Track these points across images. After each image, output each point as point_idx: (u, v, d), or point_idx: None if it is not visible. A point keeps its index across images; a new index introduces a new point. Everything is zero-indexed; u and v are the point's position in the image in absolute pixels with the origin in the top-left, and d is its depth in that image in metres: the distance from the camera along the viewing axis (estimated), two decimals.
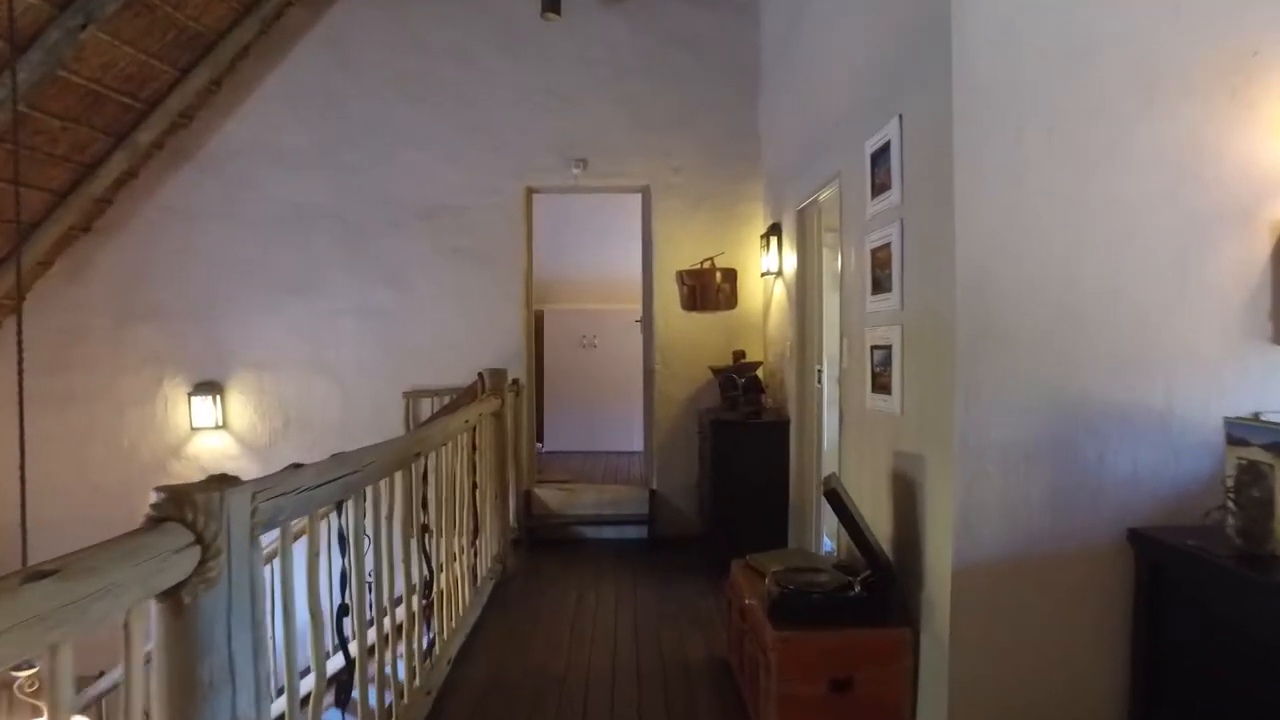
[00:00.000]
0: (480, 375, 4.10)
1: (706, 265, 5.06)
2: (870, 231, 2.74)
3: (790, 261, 4.25)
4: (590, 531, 5.11)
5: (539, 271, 7.83)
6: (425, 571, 2.73)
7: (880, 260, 2.63)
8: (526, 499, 5.07)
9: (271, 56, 5.01)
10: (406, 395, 5.06)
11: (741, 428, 4.24)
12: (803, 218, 4.03)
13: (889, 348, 2.55)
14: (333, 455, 1.83)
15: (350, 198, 5.07)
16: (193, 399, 4.99)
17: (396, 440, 2.19)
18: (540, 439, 7.81)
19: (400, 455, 2.19)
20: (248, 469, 5.09)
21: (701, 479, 4.82)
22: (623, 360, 7.67)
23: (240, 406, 5.10)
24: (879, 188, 2.65)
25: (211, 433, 5.07)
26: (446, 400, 4.88)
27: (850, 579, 2.42)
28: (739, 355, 4.92)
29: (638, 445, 7.10)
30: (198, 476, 5.75)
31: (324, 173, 5.06)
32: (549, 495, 5.15)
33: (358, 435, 5.02)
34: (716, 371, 4.79)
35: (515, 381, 5.04)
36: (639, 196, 5.32)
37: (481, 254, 5.09)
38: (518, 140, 5.07)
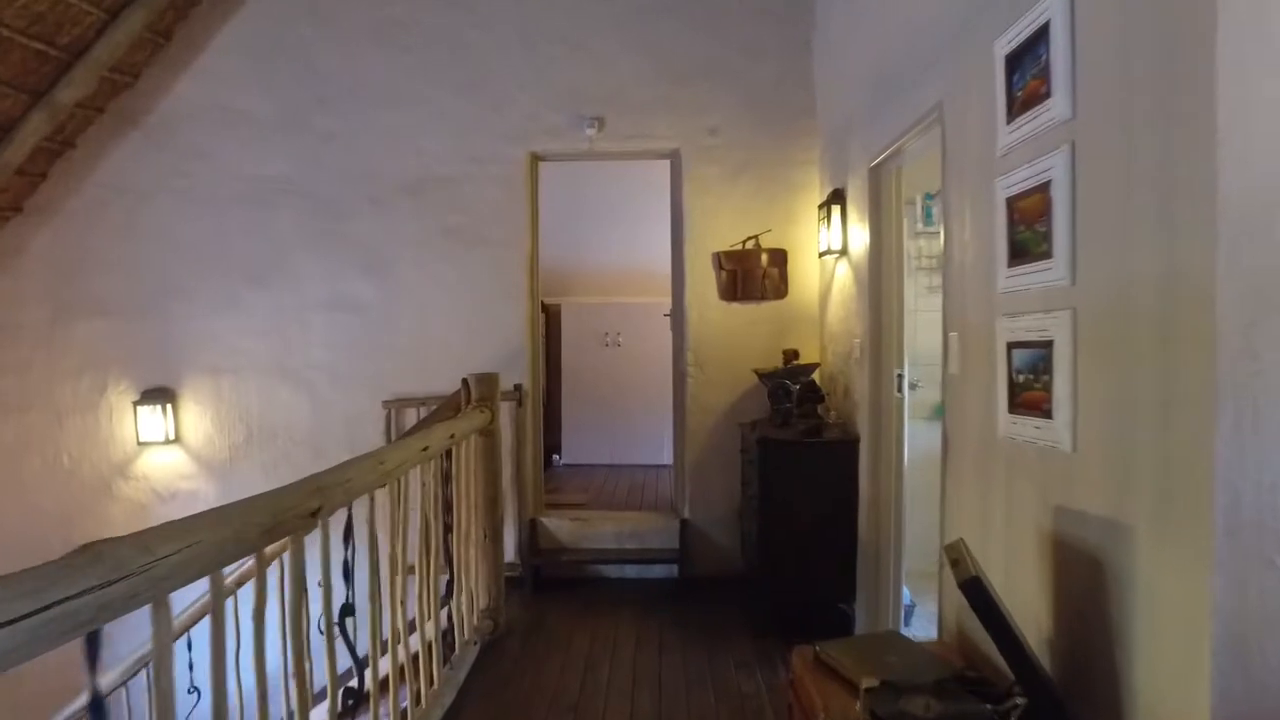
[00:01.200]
0: (465, 382, 3.30)
1: (749, 245, 4.21)
2: (1006, 173, 1.87)
3: (858, 236, 3.39)
4: (609, 570, 4.29)
5: (553, 260, 7.06)
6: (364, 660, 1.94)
7: (1027, 212, 1.77)
8: (532, 529, 4.28)
9: (229, 1, 4.29)
10: (388, 405, 4.30)
11: (797, 449, 3.39)
12: (877, 177, 3.17)
13: (1046, 345, 1.69)
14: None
15: (322, 170, 4.33)
16: (139, 409, 4.29)
17: (267, 498, 1.39)
18: (557, 452, 7.03)
19: (271, 521, 1.38)
20: (204, 491, 4.38)
21: (744, 507, 3.97)
22: (652, 361, 6.85)
23: (195, 417, 4.39)
24: (1023, 103, 1.78)
25: (162, 448, 4.37)
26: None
27: (990, 709, 1.56)
28: (790, 355, 4.06)
29: (668, 458, 6.28)
30: (148, 500, 4.93)
31: (291, 141, 4.32)
32: (559, 526, 4.34)
33: (331, 451, 4.29)
34: (763, 376, 3.93)
35: (518, 388, 4.25)
36: (667, 164, 4.49)
37: (477, 235, 4.31)
38: (520, 97, 4.28)
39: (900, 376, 3.16)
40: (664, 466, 6.58)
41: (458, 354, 4.32)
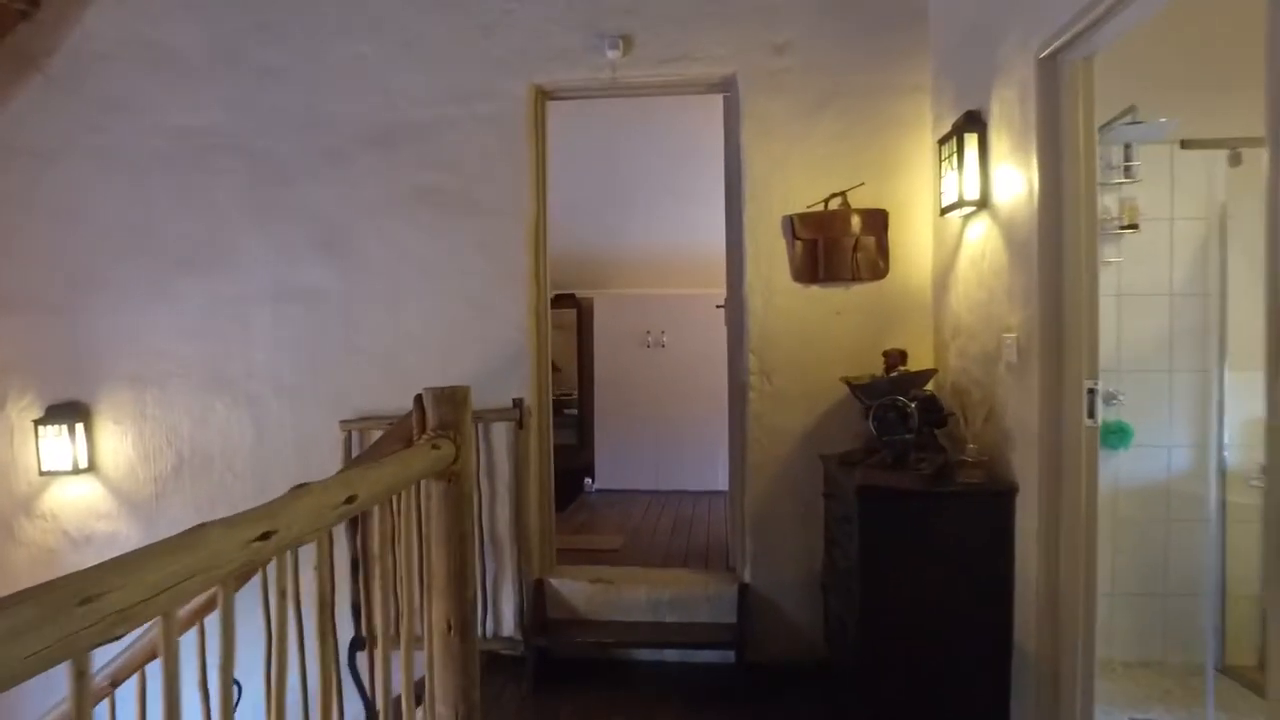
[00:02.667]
0: (418, 402, 2.28)
1: (835, 206, 3.09)
2: None
3: (1012, 179, 2.25)
4: (642, 653, 3.23)
5: (581, 244, 6.04)
6: None
7: None
8: (538, 595, 3.25)
9: None
10: (348, 426, 3.32)
11: (920, 502, 2.27)
12: (1051, 77, 2.03)
13: None
14: None
15: (265, 118, 3.39)
16: (41, 429, 3.42)
17: None
18: (589, 475, 6.00)
19: None
20: (125, 535, 3.50)
21: (831, 574, 2.86)
22: (703, 365, 5.76)
23: (115, 440, 3.50)
24: None
25: (73, 479, 3.50)
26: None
27: None
28: (894, 359, 2.93)
29: (723, 482, 5.21)
30: (57, 544, 3.68)
31: (227, 81, 3.40)
32: (576, 590, 3.30)
33: (278, 486, 3.32)
34: (857, 388, 2.81)
35: (518, 404, 3.22)
36: (718, 100, 3.41)
37: (464, 200, 3.30)
38: (517, 11, 3.25)
39: (1092, 393, 2.01)
40: (718, 493, 5.48)
41: (439, 359, 3.33)
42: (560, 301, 6.58)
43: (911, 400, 2.50)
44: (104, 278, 3.48)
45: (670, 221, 5.72)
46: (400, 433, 2.47)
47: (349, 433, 3.32)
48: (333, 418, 3.36)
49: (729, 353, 3.46)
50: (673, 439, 5.94)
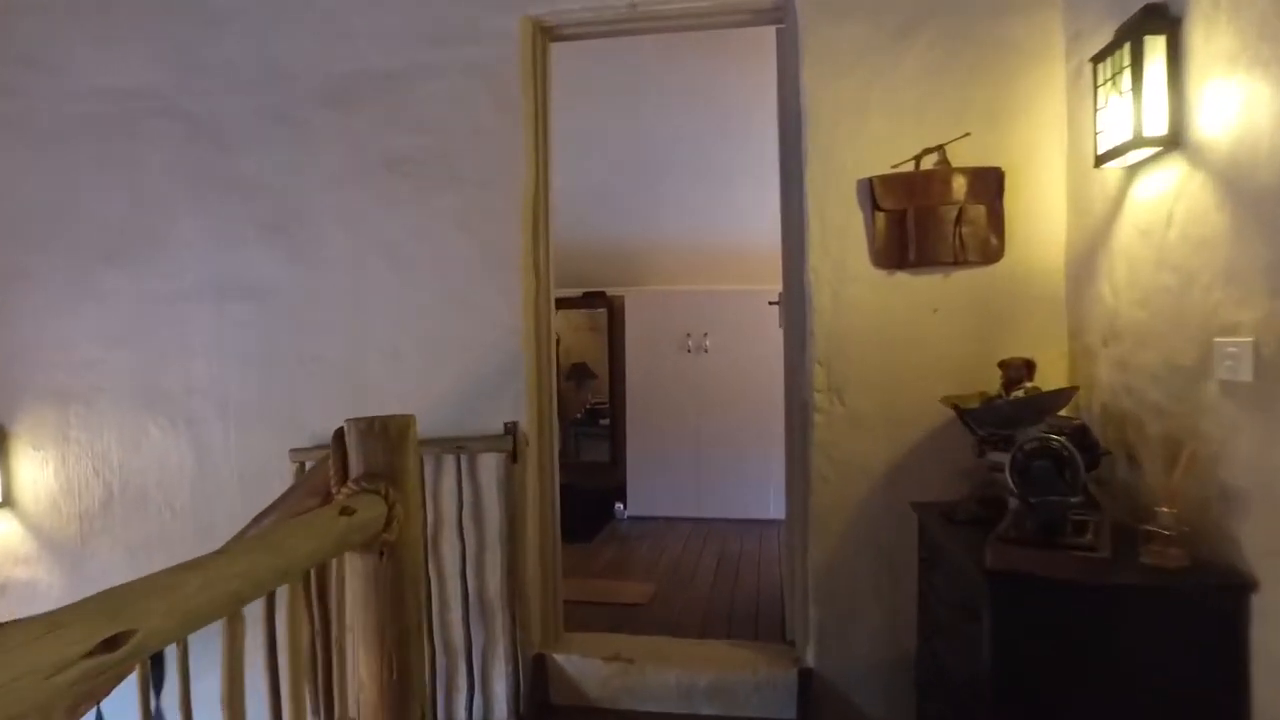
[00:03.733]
0: (337, 438, 1.60)
1: (931, 165, 2.31)
2: None
3: (1240, 100, 1.43)
4: None
5: (610, 233, 5.34)
6: None
7: None
8: (537, 674, 2.54)
9: None
10: (299, 456, 2.66)
11: (1090, 599, 1.47)
12: None
13: None
14: None
15: (204, 75, 2.77)
16: None
17: None
18: (621, 499, 5.28)
19: None
20: (48, 584, 2.94)
21: (933, 670, 2.09)
22: (754, 371, 5.01)
23: (34, 469, 2.93)
24: None
25: None
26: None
27: None
28: (1018, 371, 2.13)
29: (778, 509, 4.48)
30: None
31: (158, 34, 2.79)
32: (586, 671, 2.58)
33: (224, 530, 2.71)
34: (969, 413, 2.02)
35: (510, 430, 2.52)
36: (770, 33, 2.66)
37: (443, 170, 2.62)
38: None
39: None
40: (770, 523, 4.72)
41: (412, 372, 2.65)
42: (590, 300, 5.89)
43: (1058, 434, 1.70)
44: (17, 271, 2.90)
45: (713, 205, 4.97)
46: (314, 483, 1.79)
47: (301, 464, 2.66)
48: (285, 444, 2.71)
49: (786, 361, 2.70)
50: (717, 459, 5.19)
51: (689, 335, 5.27)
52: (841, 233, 2.38)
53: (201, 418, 2.81)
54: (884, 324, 2.36)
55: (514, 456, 2.54)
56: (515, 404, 2.57)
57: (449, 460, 2.58)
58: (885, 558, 2.36)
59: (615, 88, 4.19)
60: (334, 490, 1.61)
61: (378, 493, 1.52)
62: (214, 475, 2.81)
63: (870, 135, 2.36)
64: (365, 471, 1.57)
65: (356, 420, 1.62)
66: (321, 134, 2.69)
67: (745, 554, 4.28)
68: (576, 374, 6.12)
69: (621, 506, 5.25)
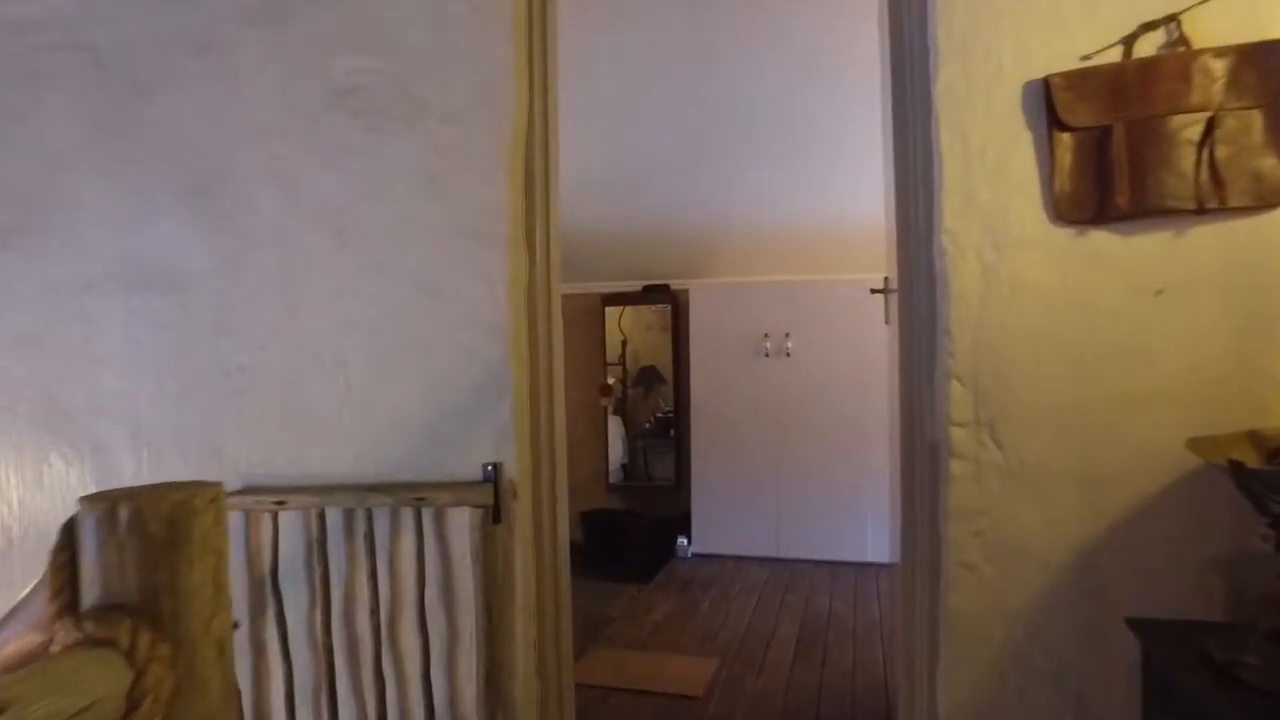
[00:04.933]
0: (64, 535, 0.81)
1: (1157, 47, 1.38)
2: None
3: None
4: None
5: (670, 215, 4.51)
6: None
7: None
8: None
9: None
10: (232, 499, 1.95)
11: None
12: None
13: None
14: None
15: None
16: None
17: None
18: (684, 533, 4.47)
19: None
20: None
21: None
22: (848, 379, 4.12)
23: None
24: None
25: None
26: (319, 512, 1.79)
27: None
28: None
29: (878, 552, 3.62)
30: None
31: None
32: None
33: None
34: (1250, 473, 1.09)
35: (491, 476, 1.75)
36: None
37: (400, 101, 1.88)
38: None
39: None
40: (869, 567, 3.81)
41: (359, 389, 1.92)
42: (651, 295, 5.11)
43: None
44: None
45: (797, 176, 4.08)
46: (34, 613, 1.04)
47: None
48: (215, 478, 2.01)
49: (902, 372, 1.80)
50: (801, 486, 4.30)
51: (766, 335, 4.41)
52: (997, 171, 1.49)
53: (109, 445, 2.17)
54: (1071, 316, 1.46)
55: (495, 514, 1.76)
56: (499, 438, 1.79)
57: (408, 516, 1.84)
58: (1072, 701, 1.46)
59: (671, 32, 3.38)
60: (50, 629, 0.86)
61: (113, 644, 0.76)
62: None
63: (1043, 7, 1.47)
64: (102, 601, 0.82)
65: (94, 498, 0.85)
66: (249, 64, 2.00)
67: (836, 616, 3.38)
68: (645, 378, 5.37)
69: (685, 541, 4.43)
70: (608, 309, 5.19)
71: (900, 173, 1.69)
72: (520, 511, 1.80)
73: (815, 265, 4.43)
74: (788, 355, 4.36)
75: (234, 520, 2.00)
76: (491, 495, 1.76)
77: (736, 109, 3.86)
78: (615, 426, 5.44)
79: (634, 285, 5.12)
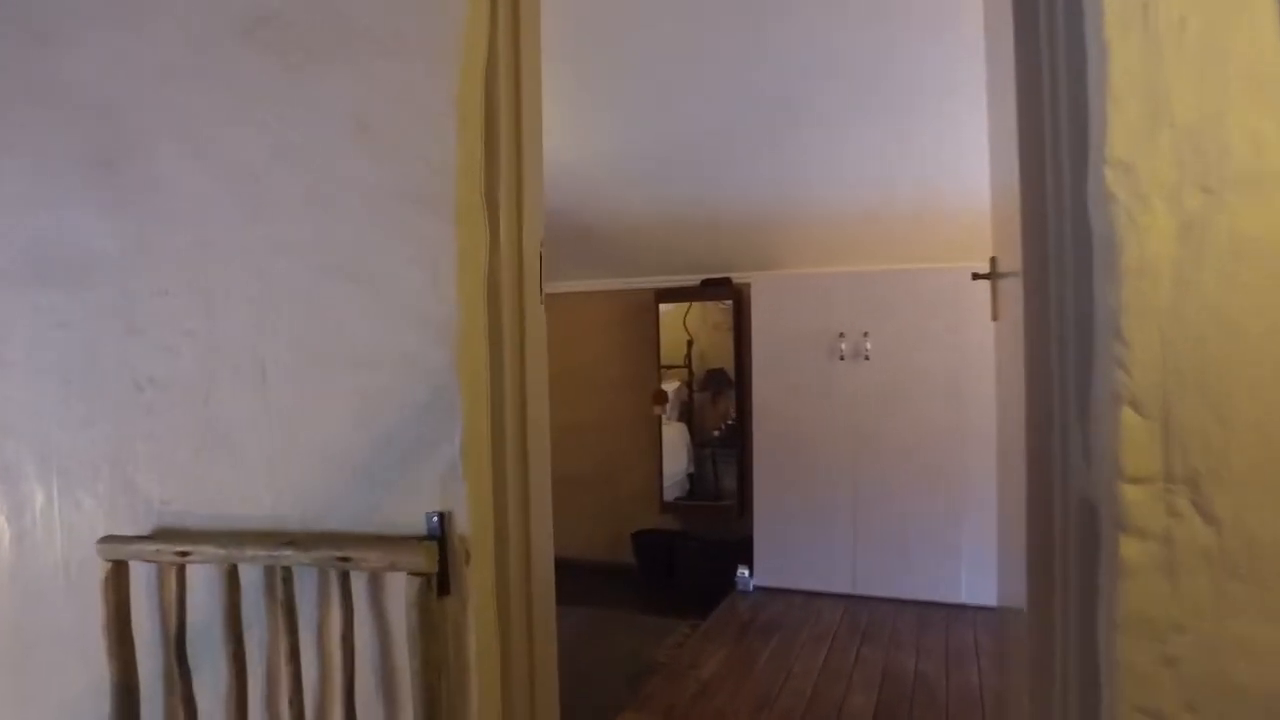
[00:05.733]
0: None
1: None
2: None
3: None
4: None
5: (730, 199, 3.95)
6: None
7: None
8: None
9: None
10: (113, 550, 1.55)
11: None
12: None
13: None
14: None
15: None
16: None
17: None
18: (745, 563, 3.92)
19: None
20: None
21: None
22: (939, 387, 3.49)
23: None
24: None
25: None
26: (227, 571, 1.34)
27: None
28: None
29: (974, 593, 3.00)
30: None
31: None
32: None
33: (44, 645, 1.67)
34: None
35: (436, 532, 1.24)
36: None
37: (328, 29, 1.41)
38: None
39: None
40: (964, 610, 3.17)
41: (280, 410, 1.46)
42: (709, 290, 4.57)
43: None
44: None
45: (878, 149, 3.46)
46: None
47: (113, 567, 1.55)
48: (115, 524, 1.63)
49: (1029, 392, 1.20)
50: (882, 512, 3.68)
51: (841, 335, 3.80)
52: (1207, 58, 0.90)
53: (18, 471, 1.79)
54: None
55: (441, 582, 1.28)
56: (446, 478, 1.31)
57: (334, 579, 1.37)
58: None
59: None
60: None
61: None
62: (34, 563, 1.78)
63: None
64: None
65: None
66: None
67: (923, 680, 2.76)
68: (713, 382, 4.86)
69: (745, 572, 3.87)
70: (662, 306, 4.67)
71: (1026, 80, 1.10)
72: (477, 580, 1.31)
73: (901, 252, 3.79)
74: (866, 358, 3.75)
75: (143, 575, 1.59)
76: (435, 557, 1.28)
77: (806, 69, 3.28)
78: (678, 435, 4.95)
79: (690, 279, 4.59)
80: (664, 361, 4.76)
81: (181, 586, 1.51)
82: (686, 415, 4.96)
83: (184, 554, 1.48)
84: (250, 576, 1.47)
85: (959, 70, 2.75)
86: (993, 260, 1.77)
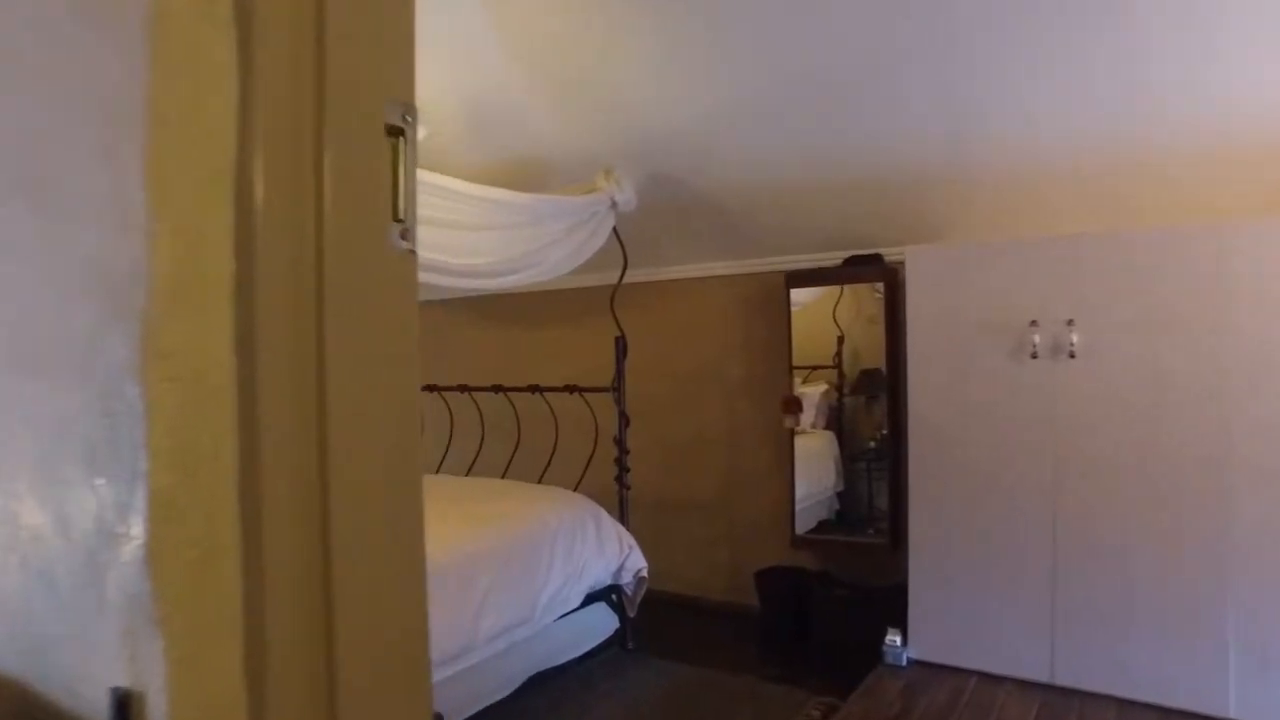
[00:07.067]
0: None
1: None
2: None
3: None
4: None
5: (878, 156, 2.98)
6: None
7: None
8: None
9: None
10: None
11: None
12: None
13: None
14: None
15: None
16: None
17: None
18: (900, 623, 2.99)
19: None
20: None
21: None
22: (1182, 399, 2.39)
23: None
24: None
25: None
26: None
27: None
28: None
29: (1244, 707, 1.92)
30: None
31: None
32: None
33: None
34: None
35: None
36: None
37: None
38: None
39: None
40: None
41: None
42: (855, 270, 3.66)
43: None
44: None
45: (1082, 71, 2.42)
46: None
47: None
48: None
49: None
50: (1096, 572, 2.61)
51: (1034, 324, 2.77)
52: None
53: None
54: None
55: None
56: (129, 621, 0.60)
57: None
58: None
59: None
60: None
61: None
62: None
63: None
64: None
65: None
66: None
67: None
68: (866, 384, 3.95)
69: (897, 640, 2.93)
70: (794, 292, 3.80)
71: None
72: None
73: (1122, 209, 2.71)
74: (1071, 355, 2.69)
75: None
76: None
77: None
78: (826, 445, 4.09)
79: (832, 257, 3.68)
80: (797, 360, 3.88)
81: None
82: (836, 422, 4.11)
83: None
84: None
85: None
86: None
